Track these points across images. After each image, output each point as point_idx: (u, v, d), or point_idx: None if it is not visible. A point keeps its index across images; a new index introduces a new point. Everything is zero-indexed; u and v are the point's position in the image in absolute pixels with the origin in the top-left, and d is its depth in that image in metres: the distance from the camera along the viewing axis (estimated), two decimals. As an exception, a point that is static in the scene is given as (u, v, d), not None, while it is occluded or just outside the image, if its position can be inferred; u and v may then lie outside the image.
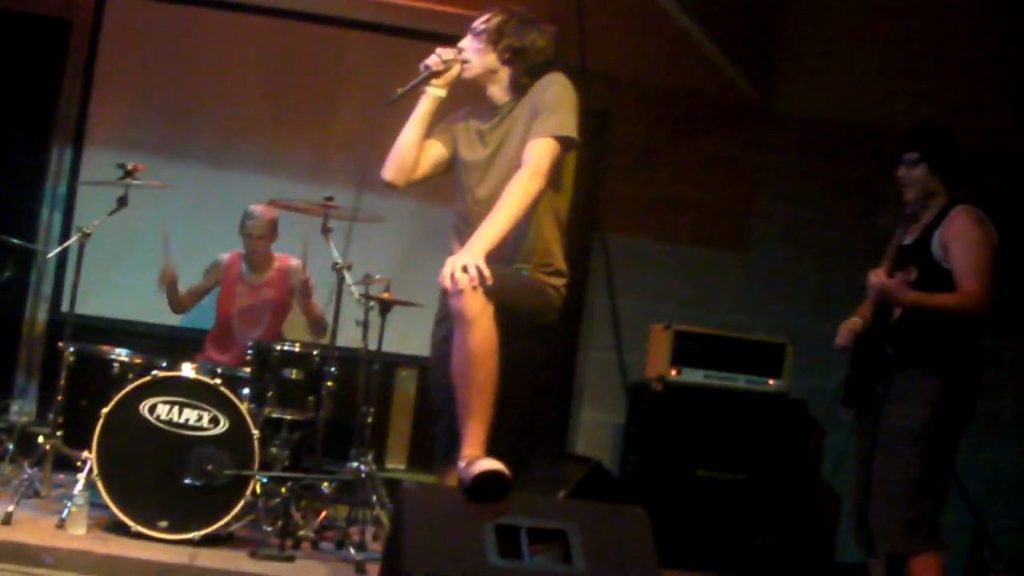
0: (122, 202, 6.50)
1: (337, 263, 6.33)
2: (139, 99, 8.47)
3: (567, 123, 4.54)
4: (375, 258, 7.10)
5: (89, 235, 6.42)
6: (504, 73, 4.72)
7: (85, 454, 5.86)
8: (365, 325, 6.55)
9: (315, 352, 6.43)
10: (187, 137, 8.43)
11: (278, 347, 6.44)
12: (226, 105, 8.53)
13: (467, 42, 4.76)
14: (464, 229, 4.62)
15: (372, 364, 6.60)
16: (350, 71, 8.49)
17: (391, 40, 8.49)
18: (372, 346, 6.60)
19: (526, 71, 4.68)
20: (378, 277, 6.65)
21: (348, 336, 6.55)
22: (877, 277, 5.09)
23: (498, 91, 4.74)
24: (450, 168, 4.85)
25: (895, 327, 5.10)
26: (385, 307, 6.62)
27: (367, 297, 6.60)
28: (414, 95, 4.73)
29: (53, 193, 8.42)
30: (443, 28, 7.87)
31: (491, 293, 4.20)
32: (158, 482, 5.78)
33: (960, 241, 4.97)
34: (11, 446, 6.68)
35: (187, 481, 5.76)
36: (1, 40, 8.30)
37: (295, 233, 7.33)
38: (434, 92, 4.72)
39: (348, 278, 6.36)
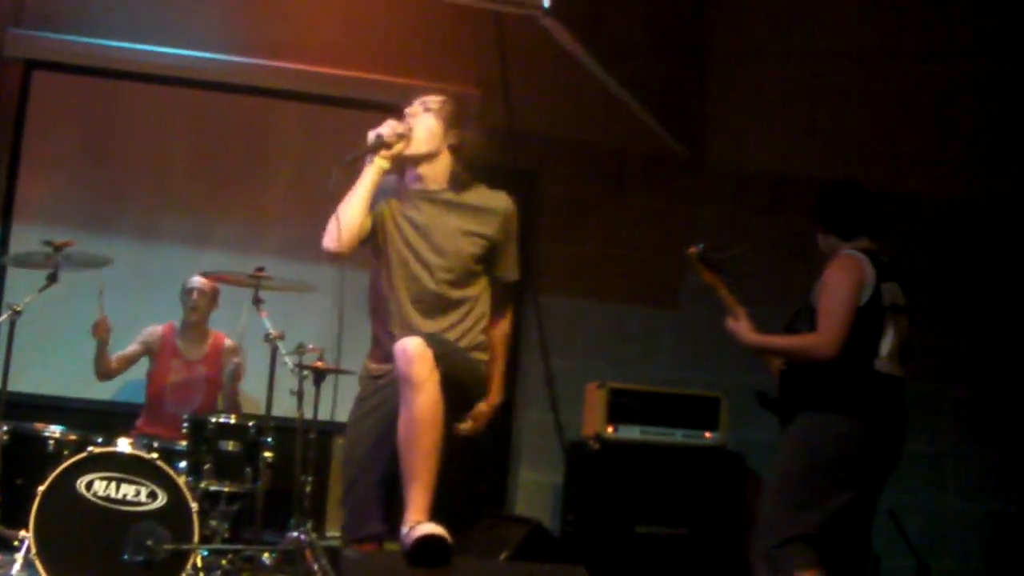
0: (52, 278, 6.59)
1: (269, 334, 6.46)
2: (68, 173, 8.56)
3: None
4: (307, 328, 7.21)
5: (20, 312, 6.50)
6: (445, 159, 4.84)
7: (22, 533, 5.86)
8: (300, 395, 6.64)
9: (251, 423, 6.53)
10: (117, 211, 8.52)
11: (213, 419, 6.51)
12: (156, 178, 8.64)
13: (419, 116, 4.85)
14: (393, 308, 4.79)
15: (308, 433, 6.69)
16: (279, 141, 8.63)
17: (318, 109, 8.65)
18: (308, 415, 6.68)
19: (466, 166, 4.84)
20: (311, 346, 6.76)
21: (283, 406, 6.65)
22: (732, 322, 5.37)
23: (433, 175, 4.84)
24: (367, 241, 4.89)
25: (782, 373, 5.35)
26: (319, 376, 6.71)
27: (301, 367, 6.69)
28: (353, 165, 4.80)
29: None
30: (369, 96, 8.09)
31: (438, 361, 4.37)
32: (98, 559, 5.82)
33: (823, 286, 5.26)
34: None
35: (127, 557, 5.80)
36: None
37: (229, 305, 7.45)
38: (380, 163, 4.74)
39: (281, 348, 6.48)
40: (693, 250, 5.73)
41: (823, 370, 5.17)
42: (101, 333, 7.35)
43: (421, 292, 4.77)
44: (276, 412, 6.46)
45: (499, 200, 4.88)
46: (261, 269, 6.67)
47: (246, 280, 6.77)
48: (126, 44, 8.55)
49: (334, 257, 4.79)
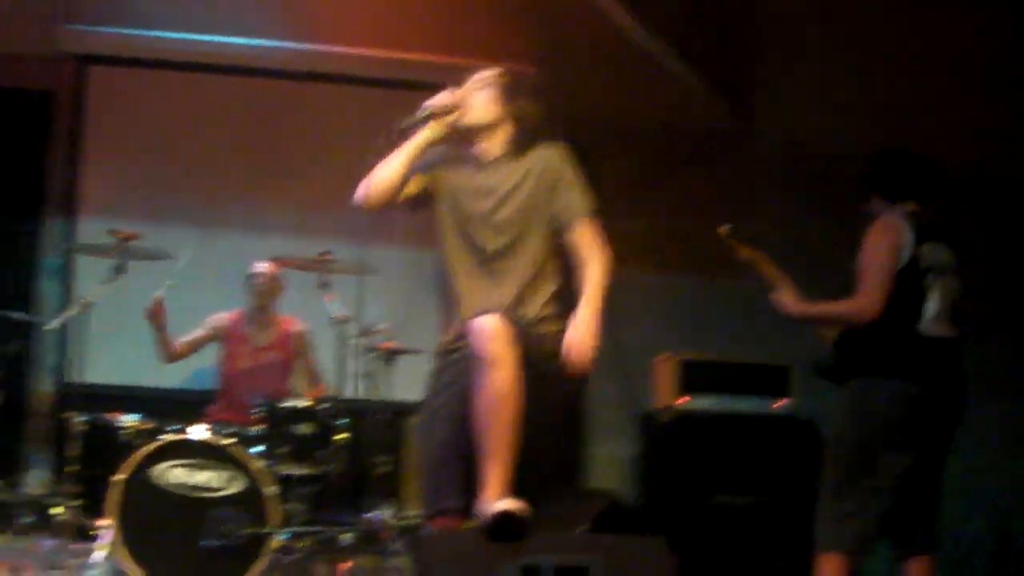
0: (120, 270, 6.70)
1: (337, 317, 6.51)
2: (129, 166, 8.68)
3: (588, 197, 4.87)
4: (374, 309, 7.26)
5: (89, 304, 6.60)
6: (503, 130, 4.90)
7: (102, 522, 5.97)
8: (371, 376, 6.72)
9: (325, 406, 6.58)
10: (178, 201, 8.61)
11: (287, 403, 6.58)
12: (215, 166, 8.75)
13: (476, 91, 4.90)
14: (459, 277, 4.84)
15: (381, 414, 6.75)
16: (335, 125, 8.67)
17: (372, 92, 8.69)
18: (380, 396, 6.74)
19: (524, 134, 4.88)
20: (379, 327, 6.82)
21: (355, 388, 6.70)
22: (776, 294, 5.37)
23: (492, 146, 4.90)
24: (415, 206, 4.97)
25: (835, 341, 5.35)
26: (390, 356, 6.78)
27: (371, 348, 6.76)
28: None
29: (51, 264, 8.61)
30: (422, 77, 8.12)
31: (516, 338, 4.43)
32: (178, 545, 5.90)
33: (863, 249, 5.24)
34: (28, 519, 6.83)
35: (206, 543, 5.88)
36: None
37: (294, 290, 7.53)
38: (431, 132, 4.82)
39: (350, 331, 6.53)
40: (723, 230, 5.74)
41: (870, 336, 5.16)
42: (157, 319, 7.44)
43: (482, 260, 4.82)
44: (348, 395, 6.50)
45: (548, 152, 4.90)
46: (326, 253, 6.73)
47: (311, 264, 6.83)
48: (179, 35, 8.65)
49: (361, 210, 4.86)
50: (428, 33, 8.57)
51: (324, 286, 6.79)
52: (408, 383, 7.14)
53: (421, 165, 4.92)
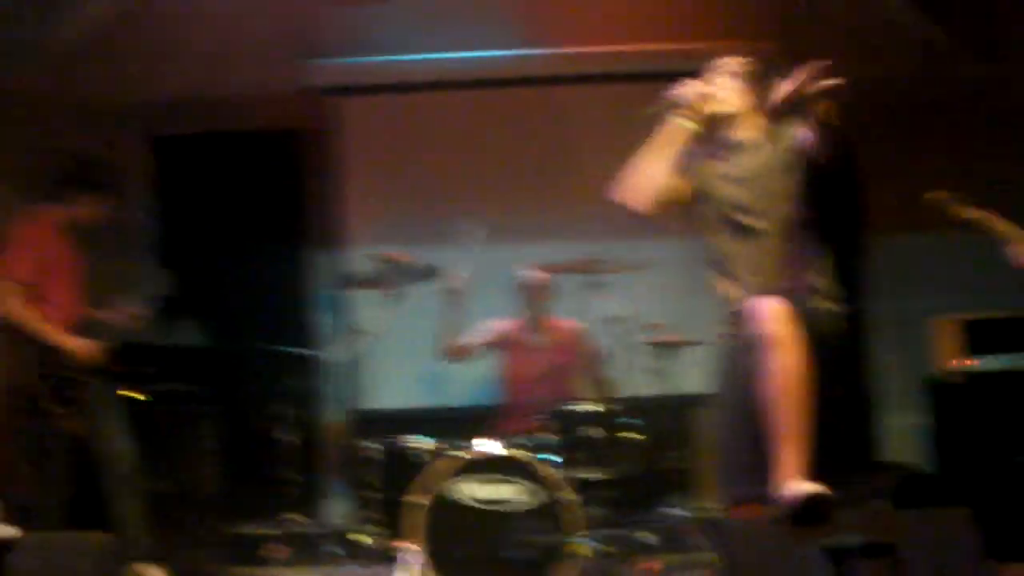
0: (393, 295, 6.87)
1: (613, 316, 6.56)
2: (391, 190, 8.93)
3: None
4: (650, 304, 7.29)
5: (368, 332, 6.80)
6: (754, 116, 4.92)
7: (404, 544, 6.12)
8: (655, 371, 6.75)
9: (612, 407, 6.62)
10: (442, 218, 8.77)
11: (578, 409, 6.63)
12: (472, 180, 8.91)
13: (723, 79, 4.94)
14: (729, 263, 4.85)
15: (670, 408, 6.78)
16: (586, 125, 8.74)
17: (619, 87, 8.73)
18: (666, 391, 6.77)
19: (776, 116, 4.85)
20: (657, 322, 6.85)
21: (640, 386, 6.74)
22: (1011, 249, 5.15)
23: (744, 131, 4.92)
24: (686, 203, 4.99)
25: None
26: (669, 350, 6.80)
27: (650, 344, 6.80)
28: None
29: (326, 297, 8.91)
30: (665, 66, 8.13)
31: (795, 317, 4.43)
32: (483, 561, 6.00)
33: None
34: (331, 547, 7.07)
35: (511, 555, 5.97)
36: (253, 157, 8.87)
37: (567, 292, 7.61)
38: (684, 123, 4.84)
39: (628, 329, 6.58)
40: (938, 196, 5.58)
41: None
42: (455, 350, 7.64)
43: (748, 244, 4.82)
44: (633, 392, 6.54)
45: (791, 130, 4.83)
46: (595, 254, 6.79)
47: (582, 266, 6.91)
48: (420, 56, 8.85)
49: (638, 214, 4.89)
50: (667, 21, 8.56)
51: (596, 286, 6.85)
52: (691, 375, 7.16)
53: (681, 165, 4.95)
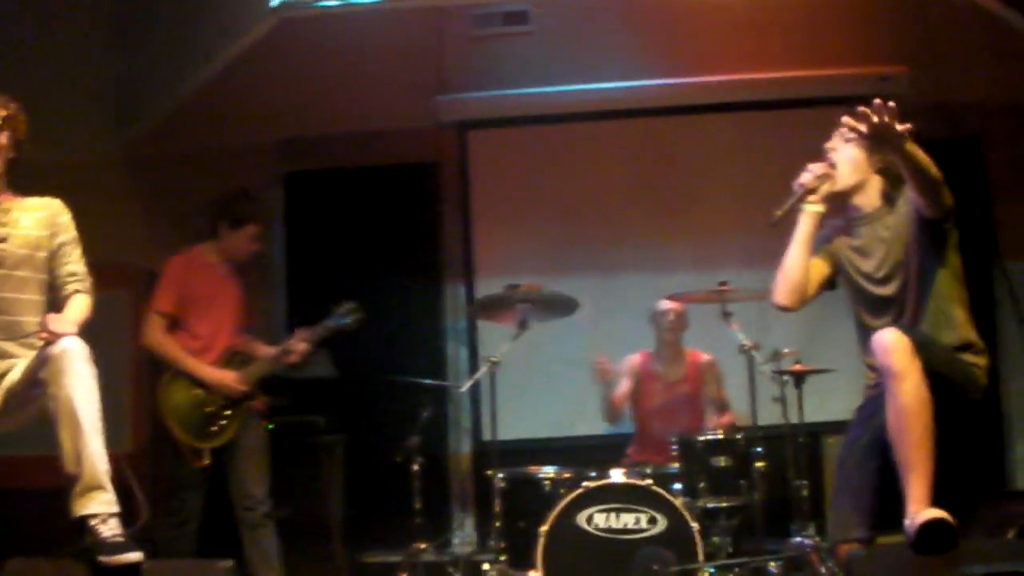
0: (523, 326, 6.91)
1: (744, 345, 6.54)
2: (518, 223, 8.98)
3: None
4: (778, 333, 7.24)
5: (497, 363, 6.84)
6: (875, 181, 4.92)
7: (531, 574, 6.14)
8: (783, 400, 6.71)
9: (739, 436, 6.59)
10: (573, 250, 8.83)
11: (702, 438, 6.63)
12: (604, 212, 8.94)
13: (839, 150, 4.93)
14: (867, 324, 4.86)
15: (797, 437, 6.74)
16: (717, 153, 8.74)
17: (750, 115, 8.73)
18: (793, 419, 6.73)
19: (892, 178, 4.86)
20: (786, 351, 6.82)
21: (768, 414, 6.70)
22: None
23: (867, 199, 4.94)
24: (830, 286, 5.07)
25: None
26: (799, 379, 6.76)
27: (779, 372, 6.76)
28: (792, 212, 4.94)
29: (455, 328, 8.99)
30: (797, 93, 8.15)
31: (916, 349, 4.37)
32: (608, 590, 5.98)
33: None
34: (458, 577, 7.14)
35: (636, 584, 5.96)
36: (381, 191, 8.96)
37: (696, 322, 7.60)
38: (812, 209, 4.92)
39: (757, 358, 6.55)
40: None
41: None
42: (605, 375, 7.59)
43: (877, 311, 4.84)
44: (761, 421, 6.51)
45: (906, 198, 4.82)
46: (724, 283, 6.77)
47: (712, 296, 6.89)
48: (549, 89, 8.91)
49: (784, 310, 5.03)
50: (797, 49, 8.55)
51: (726, 316, 6.83)
52: (820, 404, 7.10)
53: (816, 250, 5.02)
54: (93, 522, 4.37)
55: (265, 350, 6.76)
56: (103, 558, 4.27)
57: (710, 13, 8.44)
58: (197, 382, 6.49)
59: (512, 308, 6.97)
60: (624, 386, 7.75)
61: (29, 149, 5.10)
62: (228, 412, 6.53)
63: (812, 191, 4.88)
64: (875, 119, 4.33)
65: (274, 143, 9.03)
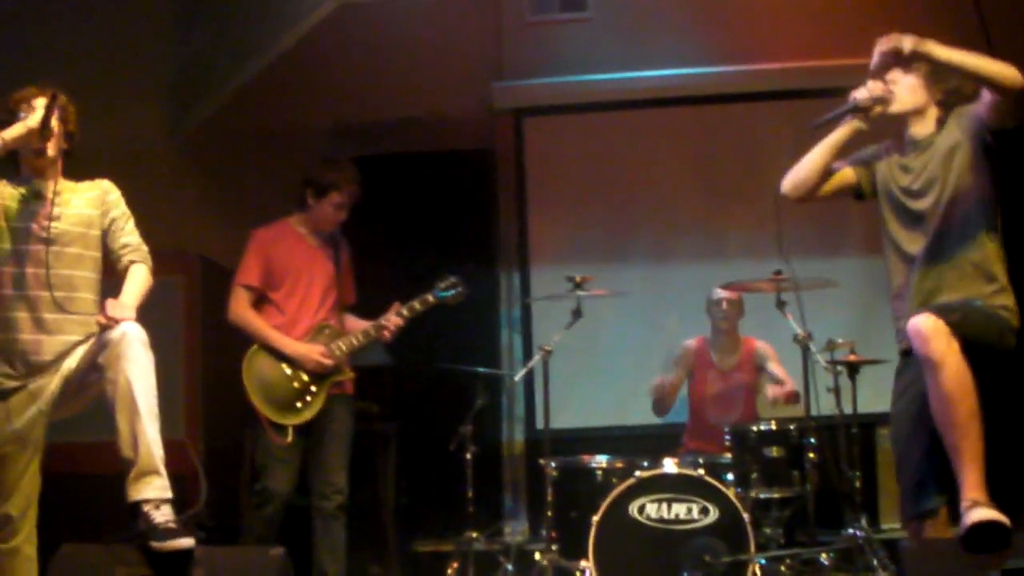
0: (576, 314, 6.91)
1: (798, 335, 6.51)
2: (573, 209, 9.02)
3: None
4: (833, 322, 7.22)
5: (551, 352, 6.85)
6: (932, 111, 4.90)
7: (582, 563, 6.16)
8: (837, 391, 6.68)
9: (792, 427, 6.56)
10: (626, 238, 8.84)
11: (755, 428, 6.60)
12: (659, 199, 8.98)
13: (898, 76, 4.92)
14: (898, 254, 4.86)
15: (851, 428, 6.71)
16: (771, 141, 8.69)
17: (804, 103, 8.67)
18: (847, 410, 6.71)
19: (950, 108, 4.86)
20: (840, 341, 6.79)
21: (822, 405, 6.67)
22: None
23: (920, 127, 4.91)
24: (851, 197, 5.10)
25: None
26: (853, 369, 6.74)
27: (833, 363, 6.73)
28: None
29: (509, 316, 9.01)
30: (851, 82, 8.06)
31: (953, 329, 4.34)
32: (659, 580, 5.99)
33: None
34: (509, 566, 7.15)
35: (686, 574, 5.94)
36: (437, 177, 9.02)
37: (751, 311, 7.59)
38: (855, 124, 4.96)
39: (812, 347, 6.53)
40: None
41: None
42: (663, 392, 7.63)
43: (915, 246, 4.80)
44: (815, 411, 6.47)
45: (957, 117, 4.83)
46: (779, 272, 6.75)
47: (766, 285, 6.86)
48: (605, 76, 8.91)
49: (784, 199, 5.11)
50: (851, 36, 8.43)
51: (781, 305, 6.80)
52: (874, 394, 7.06)
53: (857, 158, 5.05)
54: (146, 507, 4.41)
55: (358, 325, 6.53)
56: (155, 543, 4.30)
57: (767, 0, 8.41)
58: (282, 356, 6.27)
59: (566, 296, 6.96)
60: (673, 376, 7.76)
61: (83, 136, 5.18)
62: (314, 388, 6.30)
63: (864, 109, 4.89)
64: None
65: (331, 129, 9.06)
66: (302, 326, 6.38)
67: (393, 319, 6.43)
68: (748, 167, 8.74)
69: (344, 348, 6.39)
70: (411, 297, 6.51)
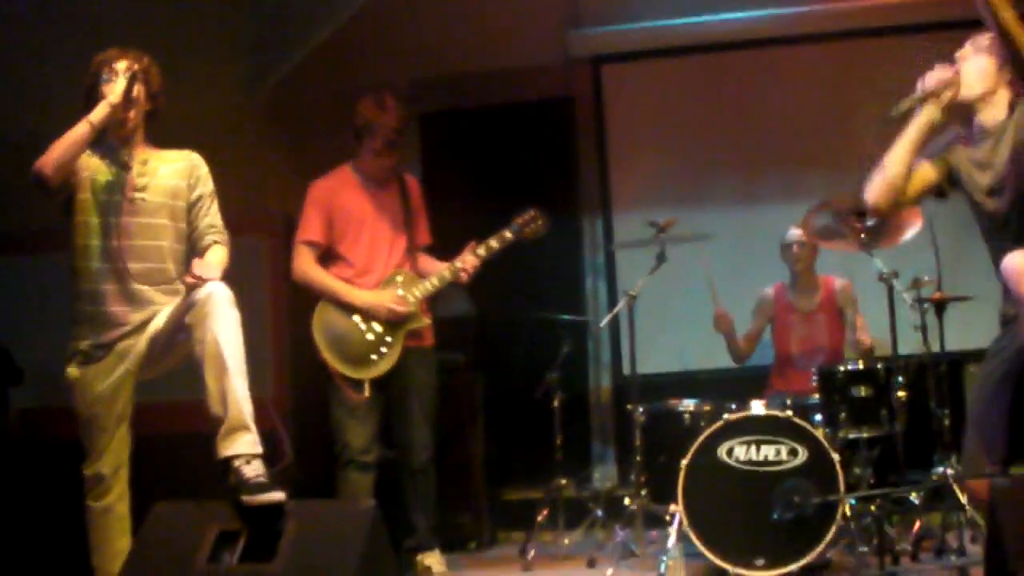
0: (660, 259, 6.90)
1: (884, 273, 6.45)
2: (653, 155, 9.01)
3: None
4: (919, 260, 7.14)
5: (635, 297, 6.85)
6: (1003, 95, 4.76)
7: (672, 508, 6.18)
8: (924, 329, 6.64)
9: (880, 366, 6.49)
10: (709, 182, 8.82)
11: (842, 368, 6.53)
12: (740, 142, 8.92)
13: (969, 58, 4.80)
14: (989, 244, 4.79)
15: (938, 366, 6.67)
16: (857, 81, 8.60)
17: (889, 41, 8.60)
18: (935, 348, 6.67)
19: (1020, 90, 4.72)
20: (927, 278, 6.73)
21: (909, 343, 6.63)
22: None
23: (992, 113, 4.78)
24: (938, 194, 4.97)
25: None
26: (940, 307, 6.68)
27: (920, 300, 6.68)
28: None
29: (592, 263, 9.02)
30: (936, 17, 7.97)
31: None
32: (747, 522, 5.96)
33: None
34: (599, 512, 7.22)
35: (777, 516, 5.91)
36: (516, 129, 9.03)
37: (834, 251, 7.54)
38: (929, 113, 4.78)
39: (897, 286, 6.47)
40: None
41: None
42: (724, 327, 7.61)
43: (995, 229, 4.74)
44: (902, 350, 6.43)
45: None
46: (862, 214, 6.68)
47: (852, 220, 6.79)
48: (681, 20, 8.89)
49: (872, 212, 5.09)
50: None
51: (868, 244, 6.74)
52: (962, 331, 7.02)
53: (931, 151, 4.90)
54: (237, 463, 4.47)
55: (435, 267, 6.30)
56: (246, 498, 4.36)
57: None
58: (353, 308, 6.11)
59: (649, 242, 6.94)
60: (753, 326, 7.76)
61: (167, 101, 5.23)
62: (389, 339, 6.13)
63: (934, 95, 4.74)
64: None
65: (407, 84, 9.07)
66: (375, 275, 6.23)
67: (470, 259, 6.21)
68: (834, 108, 8.67)
69: (419, 294, 6.21)
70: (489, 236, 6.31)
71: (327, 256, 6.24)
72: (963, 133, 4.88)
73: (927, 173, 4.90)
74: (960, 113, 4.85)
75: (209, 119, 7.35)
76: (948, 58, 4.83)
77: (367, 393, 6.04)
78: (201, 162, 5.28)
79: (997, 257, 4.65)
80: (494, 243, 6.27)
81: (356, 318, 6.12)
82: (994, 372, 4.67)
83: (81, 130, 4.84)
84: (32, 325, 7.12)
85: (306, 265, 6.19)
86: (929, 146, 4.89)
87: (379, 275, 6.22)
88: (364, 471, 6.09)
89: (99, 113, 4.87)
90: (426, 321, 6.28)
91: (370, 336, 6.11)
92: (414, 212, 6.43)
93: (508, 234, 6.32)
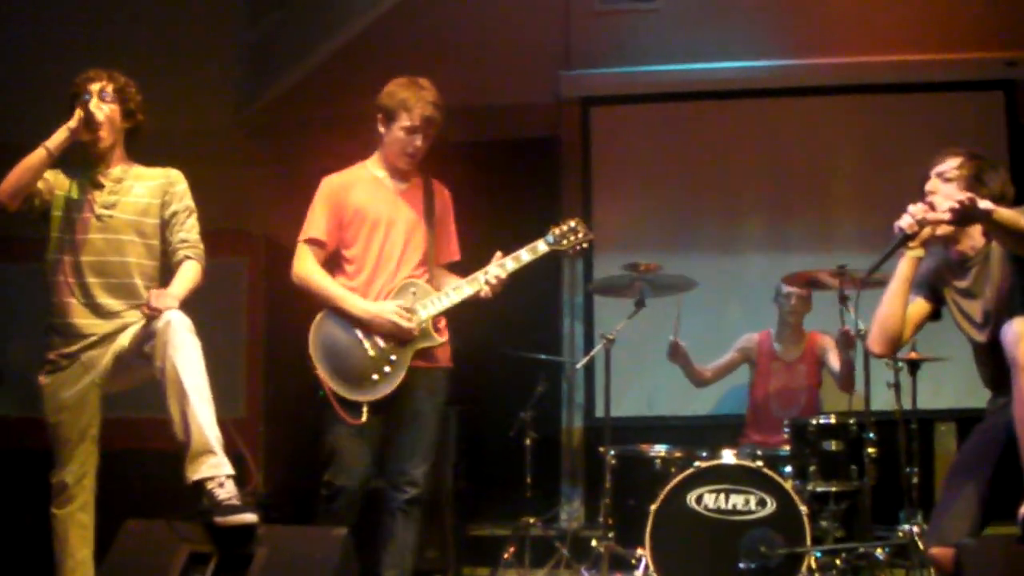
0: (640, 304, 6.94)
1: (860, 330, 6.50)
2: (637, 198, 9.08)
3: None
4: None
5: (613, 340, 6.89)
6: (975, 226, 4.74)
7: (639, 551, 6.23)
8: (897, 387, 6.68)
9: (851, 421, 6.54)
10: (691, 228, 8.87)
11: (814, 421, 6.59)
12: (725, 191, 8.99)
13: (939, 191, 4.79)
14: (980, 369, 4.85)
15: (910, 424, 6.72)
16: (838, 135, 8.70)
17: (872, 98, 8.68)
18: (907, 406, 6.71)
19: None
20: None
21: (881, 400, 6.68)
22: None
23: (969, 242, 4.83)
24: (935, 317, 5.01)
25: None
26: (914, 366, 6.74)
27: (894, 359, 6.72)
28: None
29: (571, 303, 9.03)
30: (919, 77, 8.08)
31: None
32: (713, 570, 6.04)
33: None
34: (565, 551, 7.21)
35: (742, 565, 5.97)
36: (504, 164, 9.08)
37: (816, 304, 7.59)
38: (911, 254, 4.80)
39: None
40: None
41: None
42: (678, 358, 7.61)
43: (984, 355, 4.79)
44: (874, 407, 6.47)
45: None
46: (843, 267, 6.73)
47: (830, 278, 6.85)
48: (673, 67, 8.94)
49: (879, 357, 5.06)
50: (922, 32, 8.49)
51: (844, 299, 6.80)
52: (934, 391, 7.08)
53: (917, 279, 4.92)
54: (209, 485, 4.50)
55: (450, 281, 5.56)
56: (219, 519, 4.38)
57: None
58: (356, 320, 5.31)
59: (629, 285, 6.98)
60: (728, 359, 7.83)
61: (154, 119, 5.28)
62: (394, 357, 5.30)
63: (912, 236, 4.65)
64: (957, 205, 4.30)
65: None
66: (379, 285, 5.44)
67: (494, 272, 5.46)
68: (814, 161, 8.75)
69: (432, 309, 5.41)
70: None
71: (331, 260, 5.51)
72: (945, 263, 4.95)
73: (921, 308, 4.98)
74: (938, 243, 4.89)
75: (196, 140, 7.39)
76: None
77: (364, 418, 5.25)
78: (180, 179, 5.34)
79: (986, 375, 4.79)
80: (525, 255, 5.53)
81: (359, 332, 5.33)
82: (979, 441, 4.70)
83: (38, 155, 4.95)
84: (13, 333, 7.16)
85: (306, 266, 5.42)
86: (915, 279, 4.91)
87: (383, 285, 5.42)
88: (349, 508, 5.31)
89: (56, 139, 4.98)
90: (439, 340, 5.49)
91: (372, 353, 5.31)
92: (440, 220, 5.71)
93: (542, 246, 5.59)
